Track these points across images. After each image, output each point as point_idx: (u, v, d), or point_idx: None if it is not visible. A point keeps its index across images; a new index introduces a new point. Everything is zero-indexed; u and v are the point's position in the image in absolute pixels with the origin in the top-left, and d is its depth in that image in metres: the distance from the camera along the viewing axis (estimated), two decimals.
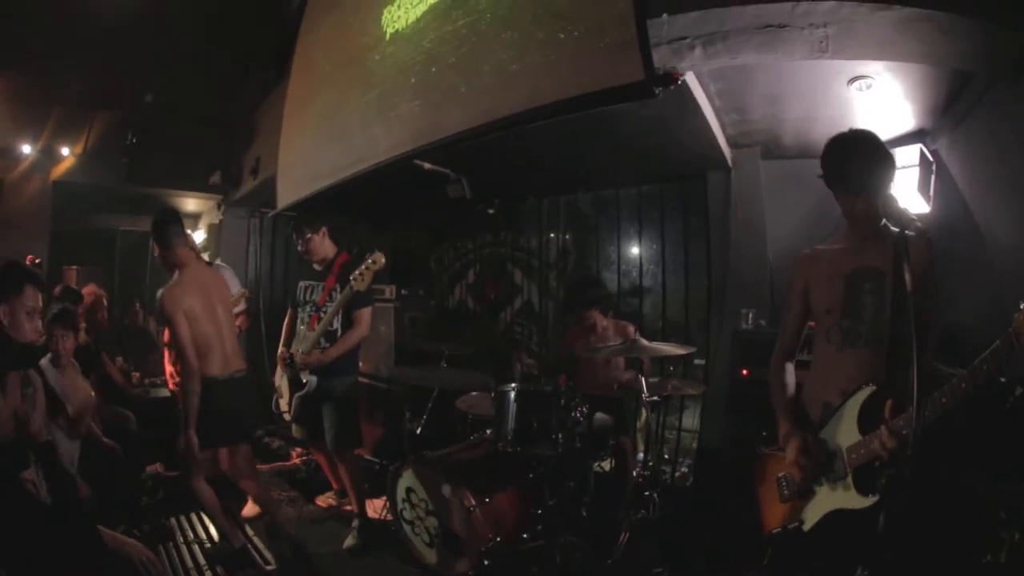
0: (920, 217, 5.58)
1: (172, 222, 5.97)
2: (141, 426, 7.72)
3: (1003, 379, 4.16)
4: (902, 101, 5.85)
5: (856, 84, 5.61)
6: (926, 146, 6.09)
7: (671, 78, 4.97)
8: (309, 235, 6.70)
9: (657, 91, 4.78)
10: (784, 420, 3.89)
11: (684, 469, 8.50)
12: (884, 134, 5.90)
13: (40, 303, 4.53)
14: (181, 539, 6.11)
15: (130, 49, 10.46)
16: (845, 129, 3.71)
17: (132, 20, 10.08)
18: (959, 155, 6.03)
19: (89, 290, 8.25)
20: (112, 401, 7.80)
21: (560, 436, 5.73)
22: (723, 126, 7.00)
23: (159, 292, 5.95)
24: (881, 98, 5.77)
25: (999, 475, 4.10)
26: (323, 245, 6.77)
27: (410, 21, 7.10)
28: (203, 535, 6.24)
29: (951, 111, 5.84)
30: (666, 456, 8.32)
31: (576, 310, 7.37)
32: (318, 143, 8.43)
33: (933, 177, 6.09)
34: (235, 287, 7.93)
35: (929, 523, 3.84)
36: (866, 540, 3.31)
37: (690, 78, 5.66)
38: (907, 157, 6.01)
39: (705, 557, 5.88)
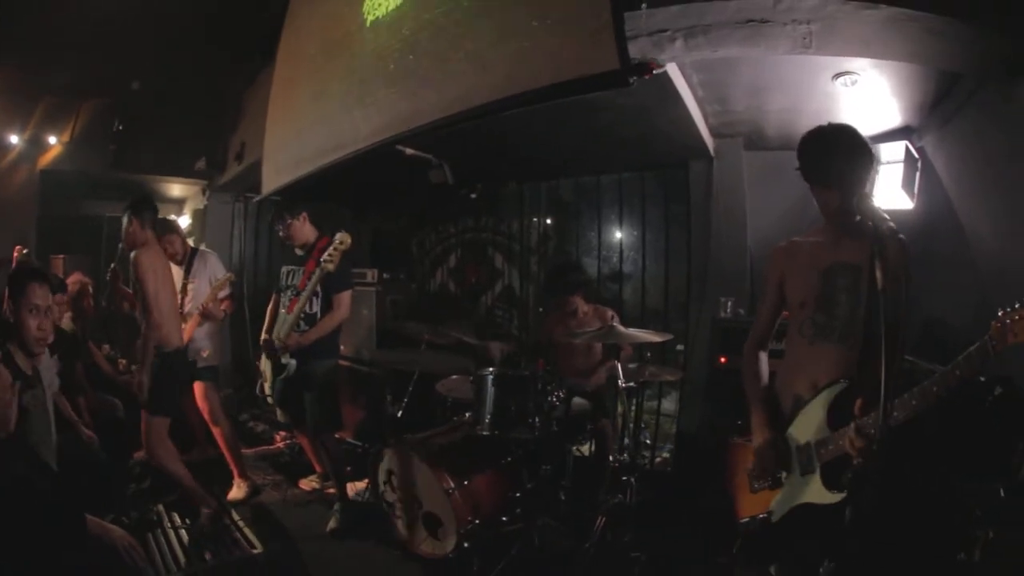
0: (904, 214, 5.76)
1: (153, 207, 6.43)
2: (129, 413, 7.62)
3: (982, 378, 4.19)
4: (888, 98, 5.87)
5: (841, 79, 5.62)
6: (912, 143, 6.11)
7: (647, 67, 4.98)
8: (290, 220, 6.76)
9: (632, 80, 4.81)
10: (757, 410, 3.91)
11: (665, 455, 8.58)
12: (869, 129, 6.04)
13: (49, 300, 4.56)
14: (169, 524, 6.14)
15: (117, 36, 10.39)
16: (828, 122, 3.68)
17: (118, 7, 10.07)
18: (945, 153, 6.05)
19: (75, 278, 8.20)
20: (99, 389, 7.84)
21: (537, 420, 5.79)
22: (706, 116, 7.03)
23: (133, 255, 6.11)
24: (867, 94, 5.78)
25: (976, 474, 4.14)
26: (303, 230, 6.82)
27: (390, 9, 7.13)
28: (190, 520, 6.27)
29: (939, 109, 5.85)
30: (647, 441, 8.36)
31: (557, 295, 7.36)
32: (302, 128, 8.47)
33: (918, 174, 6.11)
34: (220, 272, 7.97)
35: (904, 520, 3.90)
36: (833, 534, 3.34)
37: (672, 68, 5.68)
38: (892, 153, 6.07)
39: (680, 542, 5.94)
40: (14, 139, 11.40)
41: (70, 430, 6.53)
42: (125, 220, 6.29)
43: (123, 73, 11.36)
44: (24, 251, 8.18)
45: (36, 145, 11.63)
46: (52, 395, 6.01)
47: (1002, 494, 4.00)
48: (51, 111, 11.57)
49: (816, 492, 3.50)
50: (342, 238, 6.16)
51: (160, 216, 6.71)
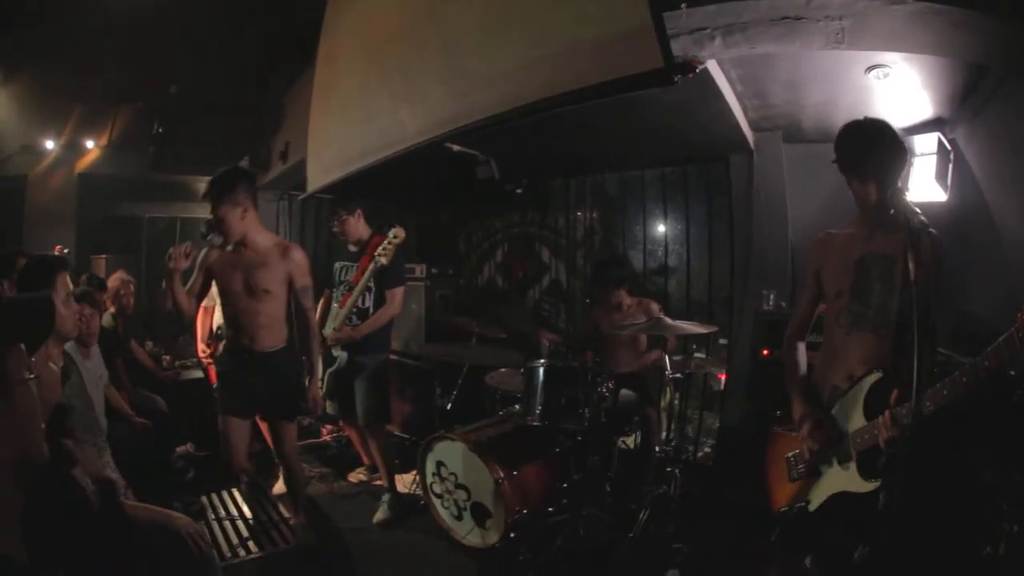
0: (937, 206, 5.80)
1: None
2: (172, 408, 7.90)
3: (1012, 372, 4.12)
4: (920, 90, 5.93)
5: (874, 72, 5.69)
6: (944, 135, 6.18)
7: (690, 66, 5.13)
8: (345, 216, 6.94)
9: (676, 79, 4.92)
10: (798, 398, 4.05)
11: (707, 449, 8.67)
12: (902, 121, 6.10)
13: (71, 288, 4.79)
14: (212, 516, 6.23)
15: (153, 41, 10.63)
16: (863, 115, 3.81)
17: (154, 12, 10.31)
18: (977, 145, 6.10)
19: (116, 276, 8.43)
20: (140, 385, 8.04)
21: (587, 411, 5.94)
22: (745, 110, 7.14)
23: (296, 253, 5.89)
24: (899, 86, 5.85)
25: (1003, 467, 4.17)
26: (358, 226, 7.00)
27: (433, 11, 7.20)
28: (235, 512, 6.38)
29: (969, 101, 5.91)
30: (689, 434, 8.58)
31: (602, 288, 7.52)
32: (347, 127, 8.60)
33: (951, 166, 6.17)
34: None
35: (932, 511, 3.95)
36: (868, 520, 3.47)
37: (712, 64, 5.79)
38: (925, 145, 6.12)
39: (721, 531, 6.08)
40: (50, 144, 11.68)
41: (122, 420, 6.81)
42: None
43: (161, 77, 11.58)
44: (65, 251, 8.39)
45: (73, 150, 11.88)
46: (103, 385, 6.31)
47: None
48: (88, 116, 11.80)
49: (853, 481, 3.66)
50: (396, 232, 6.35)
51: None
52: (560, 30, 5.75)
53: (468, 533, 6.09)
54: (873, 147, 3.69)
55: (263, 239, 5.81)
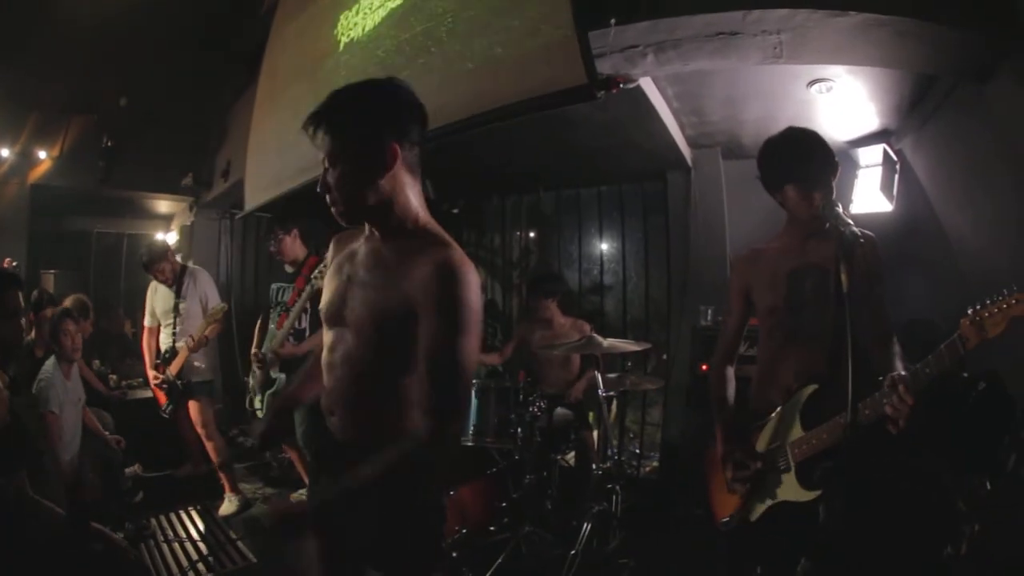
0: (883, 216, 5.81)
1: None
2: (119, 428, 7.59)
3: (966, 374, 4.24)
4: (865, 102, 5.91)
5: (816, 86, 5.66)
6: (890, 146, 6.18)
7: (614, 82, 5.03)
8: (282, 236, 6.83)
9: (600, 95, 4.84)
10: (721, 434, 3.94)
11: (654, 463, 8.62)
12: (847, 134, 6.15)
13: (21, 303, 4.58)
14: (162, 538, 6.19)
15: (105, 51, 10.39)
16: (806, 128, 3.72)
17: (107, 24, 10.07)
18: (924, 155, 6.11)
19: (75, 298, 8.17)
20: (89, 404, 7.75)
21: (519, 431, 5.89)
22: (682, 127, 7.08)
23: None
24: (843, 99, 5.83)
25: (960, 469, 4.18)
26: (294, 247, 6.89)
27: (367, 30, 7.16)
28: (183, 534, 6.35)
29: (916, 111, 5.91)
30: (637, 451, 8.50)
31: (532, 299, 7.50)
32: (283, 146, 8.46)
33: (897, 176, 6.15)
34: (211, 290, 7.88)
35: (885, 515, 3.90)
36: (809, 532, 3.39)
37: (646, 82, 5.72)
38: (870, 157, 6.15)
39: (667, 546, 6.03)
40: (4, 152, 11.39)
41: (95, 438, 6.68)
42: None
43: (111, 89, 11.34)
44: (14, 264, 8.17)
45: (26, 159, 11.59)
46: (81, 407, 6.24)
47: (988, 487, 4.06)
48: (41, 125, 11.52)
49: (792, 490, 3.54)
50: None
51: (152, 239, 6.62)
52: (482, 48, 5.70)
53: None
54: (796, 156, 3.61)
55: None
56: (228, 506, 7.23)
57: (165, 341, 7.77)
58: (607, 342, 6.04)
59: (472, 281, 2.63)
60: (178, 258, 9.59)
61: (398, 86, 2.92)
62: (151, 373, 8.02)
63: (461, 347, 2.53)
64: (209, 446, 7.55)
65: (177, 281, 7.76)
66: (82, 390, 6.49)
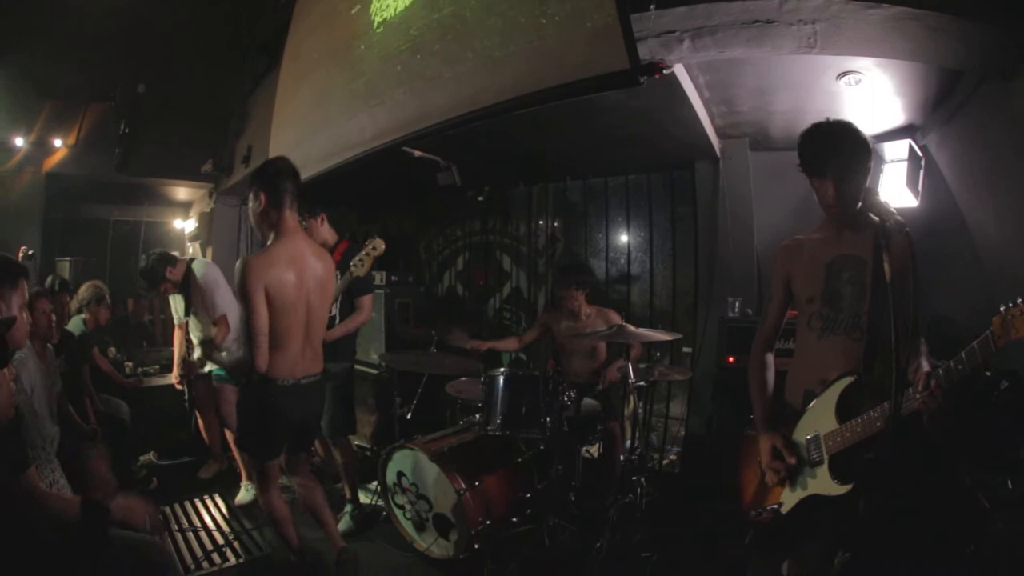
0: (908, 212, 5.80)
1: (294, 176, 5.06)
2: (135, 416, 7.68)
3: (988, 373, 4.22)
4: (892, 96, 5.88)
5: (845, 79, 5.62)
6: (915, 141, 6.15)
7: (656, 67, 4.96)
8: (309, 221, 6.68)
9: (642, 80, 4.80)
10: (760, 422, 3.95)
11: (672, 456, 8.58)
12: (873, 128, 6.11)
13: (26, 297, 4.55)
14: (176, 527, 6.21)
15: (122, 39, 10.36)
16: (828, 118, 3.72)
17: (124, 10, 10.04)
18: (949, 151, 6.07)
19: (91, 285, 8.13)
20: (104, 392, 7.79)
21: (548, 420, 5.81)
22: (712, 117, 7.03)
23: (240, 260, 4.72)
24: (870, 93, 5.79)
25: (984, 467, 4.19)
26: (321, 231, 6.76)
27: (399, 10, 7.08)
28: (197, 523, 6.36)
29: (942, 107, 5.88)
30: (655, 443, 8.43)
31: (558, 289, 7.45)
32: (307, 131, 8.44)
33: (922, 172, 6.14)
34: (211, 305, 7.48)
35: (914, 513, 3.94)
36: (843, 525, 3.41)
37: (679, 70, 5.67)
38: (896, 152, 6.13)
39: (691, 539, 6.00)
40: (20, 142, 11.34)
41: (73, 429, 6.45)
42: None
43: (129, 76, 11.30)
44: (30, 252, 8.16)
45: (42, 148, 11.52)
46: (56, 392, 6.00)
47: (1010, 486, 4.07)
48: (57, 114, 11.45)
49: (824, 484, 3.53)
50: (376, 244, 6.00)
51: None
52: (524, 31, 5.63)
53: (431, 544, 5.93)
54: (837, 146, 3.59)
55: None
56: (244, 495, 7.18)
57: (192, 337, 7.81)
58: (638, 331, 6.02)
59: None
60: (196, 245, 9.59)
61: None
62: (175, 371, 8.13)
63: None
64: (230, 435, 7.58)
65: (183, 287, 7.68)
66: (57, 375, 6.17)
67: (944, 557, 4.09)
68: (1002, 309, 2.76)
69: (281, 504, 5.25)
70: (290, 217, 4.95)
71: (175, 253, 8.10)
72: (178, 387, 8.07)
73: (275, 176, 4.95)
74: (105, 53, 10.53)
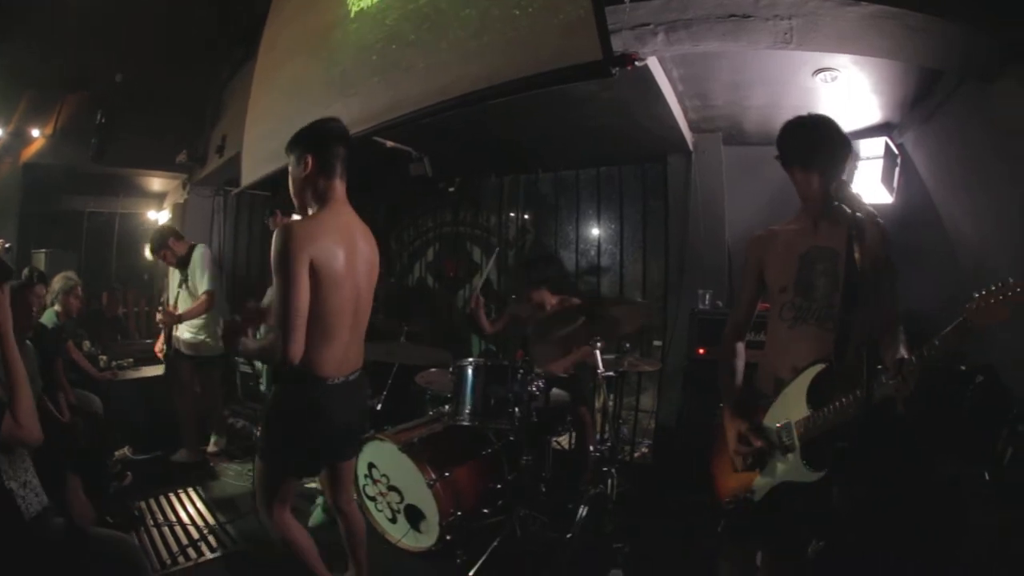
0: (882, 208, 5.86)
1: (347, 141, 4.32)
2: (109, 410, 7.64)
3: (963, 367, 4.32)
4: (868, 94, 5.90)
5: (821, 75, 5.65)
6: (892, 139, 6.19)
7: (628, 59, 4.94)
8: (282, 218, 6.69)
9: (614, 71, 4.79)
10: (728, 408, 3.95)
11: (644, 449, 8.59)
12: (849, 126, 6.07)
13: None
14: (152, 522, 6.14)
15: (102, 27, 10.27)
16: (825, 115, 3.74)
17: None
18: (926, 150, 6.10)
19: (63, 276, 8.08)
20: (77, 386, 7.67)
21: (517, 411, 5.79)
22: (685, 111, 7.02)
23: (281, 227, 3.87)
24: (847, 90, 5.81)
25: (960, 460, 4.22)
26: None
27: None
28: (173, 517, 6.31)
29: (920, 106, 5.91)
30: (625, 434, 8.38)
31: (525, 288, 7.41)
32: (283, 119, 8.26)
33: (897, 170, 6.18)
34: (202, 281, 7.84)
35: (888, 504, 4.01)
36: (815, 513, 3.42)
37: (653, 63, 5.67)
38: (872, 149, 6.17)
39: (663, 530, 6.01)
40: None
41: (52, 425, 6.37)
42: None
43: (106, 65, 11.17)
44: (6, 245, 8.07)
45: (19, 138, 11.42)
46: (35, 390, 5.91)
47: (987, 478, 4.07)
48: (35, 103, 11.35)
49: (797, 471, 3.52)
50: None
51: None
52: (498, 22, 5.63)
53: (404, 536, 5.88)
54: (818, 138, 3.65)
55: None
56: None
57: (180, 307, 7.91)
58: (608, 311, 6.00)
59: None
60: None
61: None
62: (158, 345, 8.29)
63: None
64: (210, 405, 8.26)
65: (182, 263, 7.88)
66: (36, 372, 6.12)
67: (921, 548, 4.13)
68: (976, 296, 2.78)
69: (301, 530, 4.47)
70: (340, 187, 4.21)
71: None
72: (159, 354, 8.26)
73: (328, 139, 4.21)
74: (83, 40, 10.40)
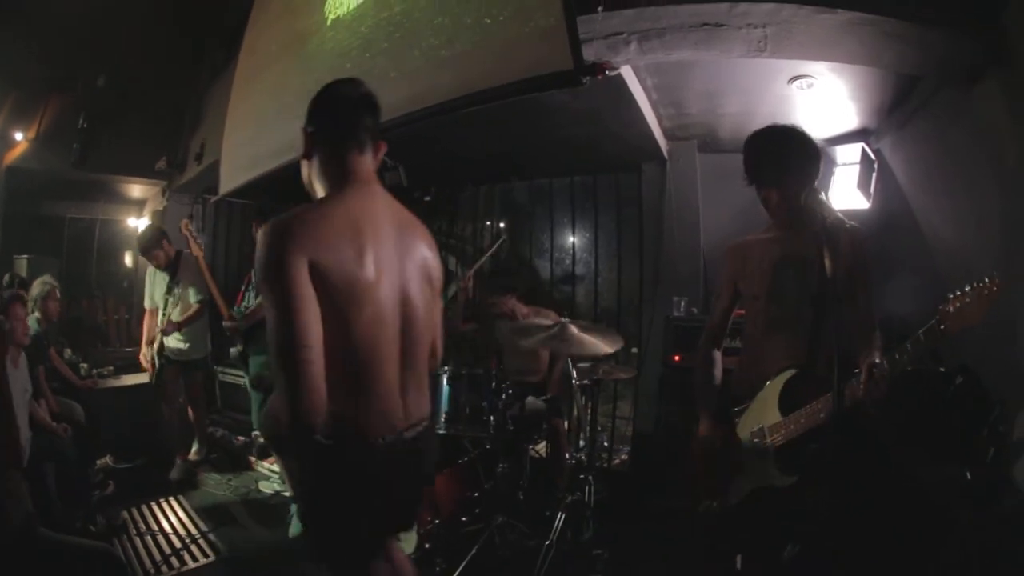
0: (859, 213, 5.97)
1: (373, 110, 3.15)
2: (90, 419, 7.47)
3: (942, 369, 4.37)
4: (845, 101, 5.91)
5: (797, 83, 5.65)
6: (869, 145, 6.22)
7: (599, 68, 4.95)
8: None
9: (585, 81, 4.78)
10: (703, 413, 3.98)
11: (624, 456, 8.57)
12: (825, 132, 6.20)
13: None
14: (135, 531, 6.10)
15: (85, 29, 10.18)
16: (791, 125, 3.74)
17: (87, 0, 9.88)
18: (903, 155, 6.13)
19: (42, 281, 8.01)
20: (59, 393, 7.56)
21: (492, 419, 5.82)
22: (660, 119, 7.03)
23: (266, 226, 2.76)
24: (823, 97, 5.82)
25: (941, 460, 4.29)
26: None
27: (351, 7, 7.06)
28: (156, 526, 6.25)
29: (898, 111, 5.91)
30: (605, 444, 8.35)
31: (492, 296, 7.44)
32: (260, 127, 8.33)
33: (874, 175, 6.20)
34: (196, 288, 7.83)
35: (865, 506, 3.99)
36: (794, 518, 3.46)
37: (626, 72, 5.66)
38: (848, 155, 6.25)
39: (642, 536, 6.00)
40: None
41: (43, 434, 6.31)
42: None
43: (90, 68, 11.08)
44: None
45: (2, 141, 11.33)
46: (28, 399, 5.87)
47: (968, 477, 4.14)
48: (19, 106, 11.23)
49: (770, 475, 3.57)
50: None
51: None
52: (470, 30, 5.63)
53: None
54: (784, 153, 3.66)
55: None
56: (196, 453, 7.65)
57: (161, 323, 7.81)
58: (578, 333, 5.90)
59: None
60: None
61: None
62: (143, 352, 8.15)
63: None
64: (193, 411, 8.15)
65: (171, 266, 7.84)
66: (28, 380, 6.15)
67: (901, 550, 4.12)
68: (951, 296, 2.82)
69: None
70: (362, 164, 3.01)
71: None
72: (143, 362, 8.15)
73: (338, 104, 3.07)
74: (68, 42, 10.31)
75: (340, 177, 2.97)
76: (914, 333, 2.90)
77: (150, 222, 12.65)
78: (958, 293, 2.79)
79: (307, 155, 3.08)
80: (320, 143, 3.04)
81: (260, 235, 2.70)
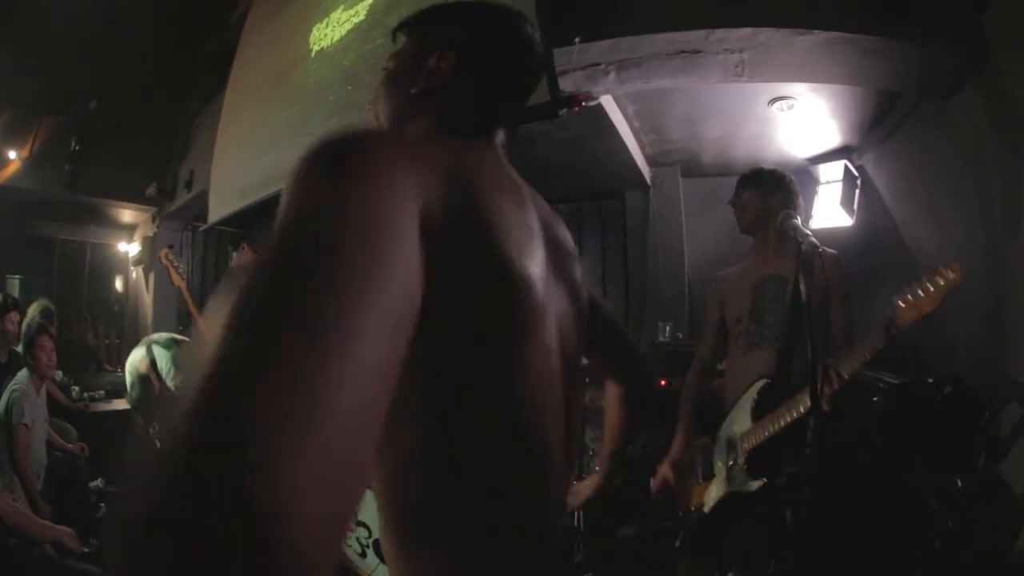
0: (843, 230, 6.02)
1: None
2: (82, 441, 7.45)
3: (931, 379, 4.38)
4: (827, 119, 5.94)
5: (778, 104, 5.68)
6: (851, 162, 6.24)
7: (576, 100, 4.90)
8: (249, 251, 6.56)
9: (561, 113, 4.62)
10: (680, 422, 4.13)
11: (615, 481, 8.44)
12: (807, 151, 6.26)
13: None
14: None
15: (79, 50, 10.12)
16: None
17: (83, 19, 9.80)
18: (886, 170, 6.15)
19: (38, 305, 7.99)
20: (52, 415, 7.54)
21: None
22: (642, 146, 7.06)
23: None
24: (804, 117, 5.85)
25: (931, 469, 4.25)
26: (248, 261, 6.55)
27: (335, 40, 7.05)
28: None
29: (879, 127, 5.96)
30: (595, 469, 8.32)
31: None
32: (246, 157, 8.33)
33: (857, 191, 6.22)
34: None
35: (860, 516, 4.01)
36: (773, 531, 3.49)
37: (607, 101, 5.69)
38: (831, 173, 6.24)
39: (632, 557, 6.03)
40: None
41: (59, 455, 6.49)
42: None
43: (84, 90, 11.03)
44: None
45: None
46: (46, 426, 6.05)
47: (959, 485, 4.12)
48: (13, 124, 11.20)
49: (743, 481, 3.67)
50: None
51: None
52: None
53: (374, 570, 5.67)
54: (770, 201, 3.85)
55: None
56: None
57: None
58: None
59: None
60: (139, 270, 9.34)
61: None
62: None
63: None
64: None
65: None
66: (45, 408, 6.23)
67: (893, 559, 4.12)
68: (907, 287, 2.99)
69: None
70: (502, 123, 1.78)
71: None
72: None
73: (513, 34, 1.73)
74: (63, 63, 10.29)
75: (479, 125, 1.66)
76: (903, 350, 3.03)
77: (139, 248, 12.66)
78: (913, 283, 2.95)
79: (427, 84, 1.61)
80: (466, 70, 1.62)
81: (303, 162, 1.01)
